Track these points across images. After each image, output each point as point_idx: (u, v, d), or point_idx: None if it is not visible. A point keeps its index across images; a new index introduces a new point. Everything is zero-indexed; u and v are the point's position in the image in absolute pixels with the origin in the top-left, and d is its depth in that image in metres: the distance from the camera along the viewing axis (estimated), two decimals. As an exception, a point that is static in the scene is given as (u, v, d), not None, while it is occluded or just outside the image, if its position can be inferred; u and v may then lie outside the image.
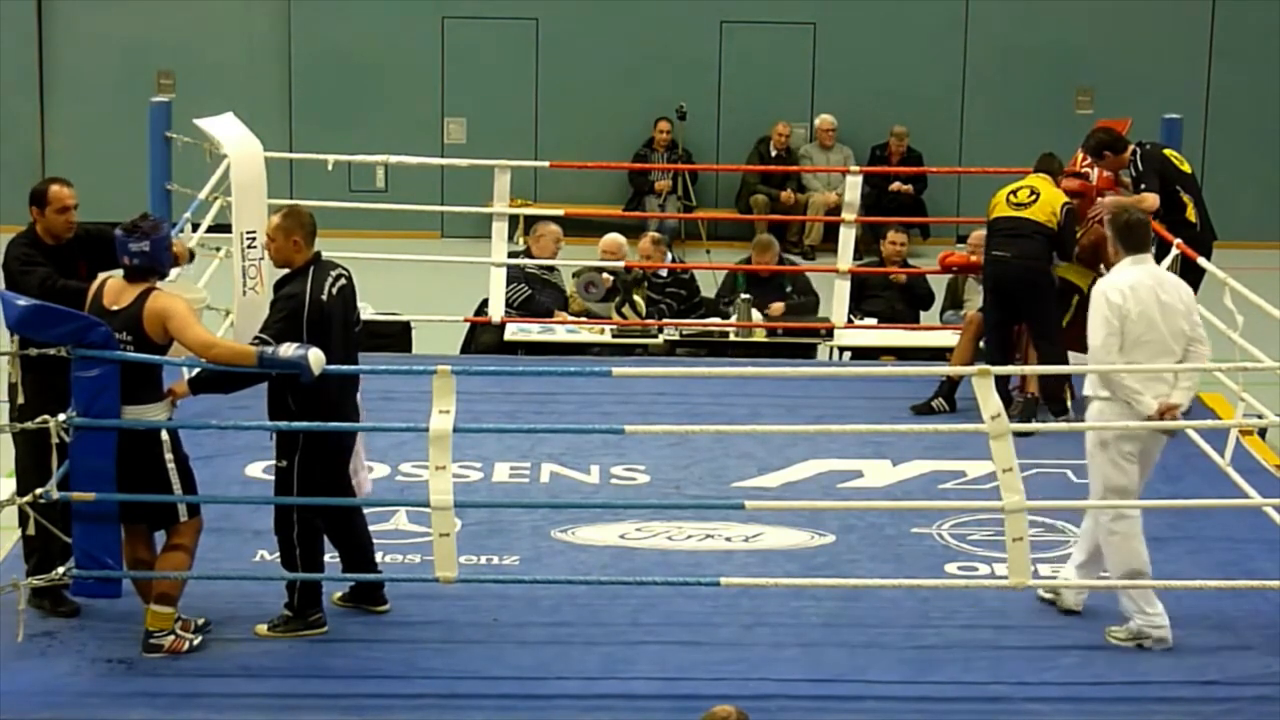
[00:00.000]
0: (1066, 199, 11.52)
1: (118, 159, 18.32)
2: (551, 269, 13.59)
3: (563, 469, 10.64)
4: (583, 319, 13.17)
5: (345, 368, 8.31)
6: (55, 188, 8.67)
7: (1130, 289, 8.53)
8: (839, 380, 12.05)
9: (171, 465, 8.14)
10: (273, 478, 8.51)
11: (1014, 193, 11.56)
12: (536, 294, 13.25)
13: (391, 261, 13.57)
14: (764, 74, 20.12)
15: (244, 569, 9.06)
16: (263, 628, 8.46)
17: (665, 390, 11.64)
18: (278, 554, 8.52)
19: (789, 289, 13.64)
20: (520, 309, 13.12)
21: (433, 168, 18.19)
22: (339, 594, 8.77)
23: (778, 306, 13.39)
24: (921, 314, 14.13)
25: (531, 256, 13.53)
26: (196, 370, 8.19)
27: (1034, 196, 11.47)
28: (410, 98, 20.02)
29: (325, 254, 8.50)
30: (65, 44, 19.93)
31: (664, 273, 13.68)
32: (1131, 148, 11.85)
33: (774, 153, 19.68)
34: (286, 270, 8.44)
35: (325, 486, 8.41)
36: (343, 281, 8.43)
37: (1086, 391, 8.70)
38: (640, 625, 8.66)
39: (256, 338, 8.18)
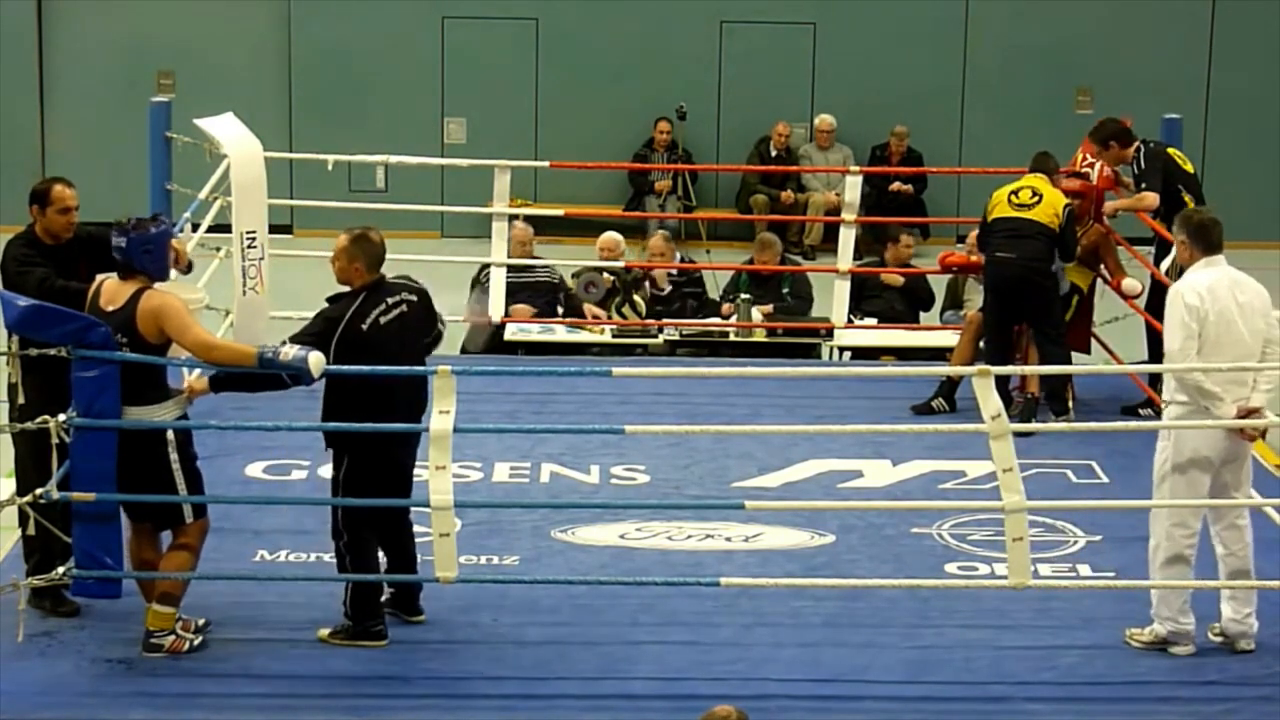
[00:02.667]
0: (1068, 200, 11.52)
1: (118, 159, 18.30)
2: (531, 269, 13.39)
3: (563, 469, 10.63)
4: (582, 320, 13.14)
5: (358, 369, 8.17)
6: (58, 188, 8.66)
7: (1207, 290, 8.27)
8: (839, 380, 12.04)
9: (176, 466, 8.11)
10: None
11: (1015, 193, 11.54)
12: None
13: (391, 261, 13.48)
14: (764, 74, 20.09)
15: (244, 569, 9.06)
16: (324, 631, 8.39)
17: (665, 390, 11.63)
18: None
19: (787, 289, 13.63)
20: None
21: (433, 168, 18.17)
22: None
23: (765, 309, 13.33)
24: (921, 314, 14.13)
25: (528, 258, 13.46)
26: (216, 370, 8.13)
27: (1037, 198, 11.46)
28: (410, 98, 19.99)
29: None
30: (65, 44, 19.90)
31: (674, 273, 13.61)
32: (1135, 145, 11.87)
33: (774, 153, 19.66)
34: (346, 287, 8.35)
35: (379, 494, 8.33)
36: (402, 308, 8.32)
37: (1165, 396, 8.50)
38: (640, 625, 8.65)
39: (285, 340, 8.10)
